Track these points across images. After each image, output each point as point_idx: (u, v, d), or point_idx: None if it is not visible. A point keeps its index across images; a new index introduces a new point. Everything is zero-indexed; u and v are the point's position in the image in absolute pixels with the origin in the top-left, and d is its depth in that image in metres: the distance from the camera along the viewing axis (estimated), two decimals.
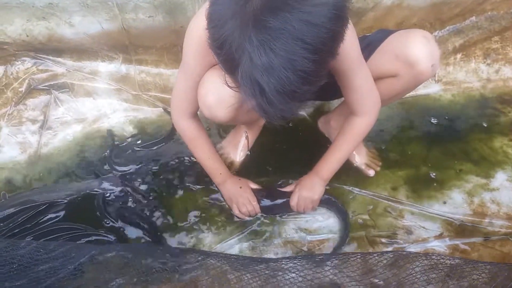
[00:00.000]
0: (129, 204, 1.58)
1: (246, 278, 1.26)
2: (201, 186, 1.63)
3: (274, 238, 1.53)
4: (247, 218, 1.56)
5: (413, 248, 1.50)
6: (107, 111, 1.82)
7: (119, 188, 1.59)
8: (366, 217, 1.58)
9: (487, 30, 1.96)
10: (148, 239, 1.51)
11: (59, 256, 1.23)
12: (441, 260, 1.30)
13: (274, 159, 1.70)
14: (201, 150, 1.48)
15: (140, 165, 1.68)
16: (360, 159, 1.68)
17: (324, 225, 1.56)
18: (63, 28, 1.69)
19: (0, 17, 1.64)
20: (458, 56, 1.97)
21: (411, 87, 1.39)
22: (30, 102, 1.81)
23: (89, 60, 1.84)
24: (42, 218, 1.51)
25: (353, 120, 1.39)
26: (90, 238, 1.48)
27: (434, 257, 1.32)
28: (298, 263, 1.31)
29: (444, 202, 1.61)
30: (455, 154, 1.74)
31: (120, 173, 1.66)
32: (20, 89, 1.80)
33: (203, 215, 1.57)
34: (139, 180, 1.64)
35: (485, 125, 1.83)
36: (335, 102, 1.75)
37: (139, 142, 1.75)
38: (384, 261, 1.35)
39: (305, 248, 1.51)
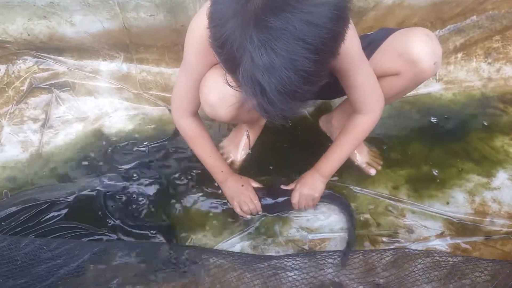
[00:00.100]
0: (129, 203, 1.58)
1: (248, 276, 1.26)
2: (202, 185, 1.63)
3: (276, 236, 1.53)
4: (249, 217, 1.57)
5: (414, 247, 1.50)
6: (108, 110, 1.82)
7: (120, 187, 1.60)
8: (367, 216, 1.58)
9: (488, 29, 1.96)
10: (148, 238, 1.52)
11: (62, 254, 1.23)
12: (443, 258, 1.31)
13: (275, 158, 1.71)
14: (202, 149, 1.48)
15: (141, 164, 1.69)
16: (361, 158, 1.68)
17: (326, 224, 1.57)
18: (64, 27, 1.69)
19: (2, 16, 1.64)
20: (459, 55, 1.97)
21: (413, 85, 1.39)
22: (32, 101, 1.81)
23: (90, 59, 1.84)
24: (44, 217, 1.52)
25: (356, 118, 1.38)
26: (92, 237, 1.48)
27: (436, 254, 1.33)
28: (301, 261, 1.32)
29: (448, 203, 1.61)
30: (456, 153, 1.74)
31: (122, 170, 1.66)
32: (21, 88, 1.81)
33: (205, 213, 1.58)
34: (140, 178, 1.65)
35: (486, 124, 1.84)
36: (337, 101, 1.75)
37: (145, 142, 1.75)
38: (387, 258, 1.35)
39: (306, 247, 1.51)
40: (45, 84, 1.82)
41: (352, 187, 1.64)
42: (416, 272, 1.33)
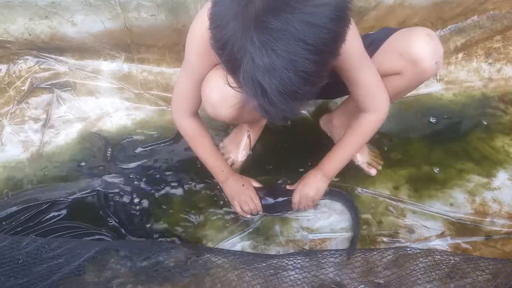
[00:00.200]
0: (130, 203, 1.59)
1: (249, 275, 1.26)
2: (203, 185, 1.64)
3: (276, 236, 1.53)
4: (249, 216, 1.57)
5: (414, 247, 1.50)
6: (109, 110, 1.82)
7: (121, 187, 1.60)
8: (368, 216, 1.58)
9: (489, 29, 1.96)
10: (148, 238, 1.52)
11: (63, 253, 1.24)
12: (444, 257, 1.31)
13: (276, 158, 1.71)
14: (203, 149, 1.48)
15: (141, 164, 1.69)
16: (362, 158, 1.68)
17: (326, 223, 1.57)
18: (66, 27, 1.69)
19: (3, 16, 1.64)
20: (460, 55, 1.97)
21: (414, 84, 1.39)
22: (33, 100, 1.81)
23: (91, 59, 1.84)
24: (44, 217, 1.52)
25: (361, 117, 1.37)
26: (92, 237, 1.48)
27: (437, 253, 1.33)
28: (302, 260, 1.32)
29: (451, 204, 1.61)
30: (456, 153, 1.74)
31: (124, 169, 1.66)
32: (22, 88, 1.81)
33: (205, 213, 1.58)
34: (141, 178, 1.65)
35: (487, 124, 1.84)
36: (337, 101, 1.75)
37: (147, 142, 1.75)
38: (388, 257, 1.35)
39: (306, 247, 1.51)
40: (46, 84, 1.82)
41: (352, 187, 1.64)
42: (417, 271, 1.33)
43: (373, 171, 1.67)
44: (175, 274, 1.35)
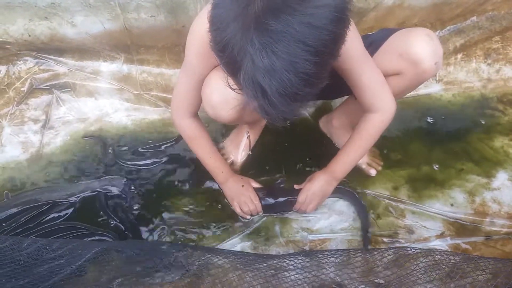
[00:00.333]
0: (130, 203, 1.59)
1: (249, 275, 1.26)
2: (203, 185, 1.64)
3: (276, 237, 1.53)
4: (249, 217, 1.57)
5: (415, 247, 1.50)
6: (109, 111, 1.82)
7: (121, 188, 1.60)
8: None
9: (488, 30, 1.96)
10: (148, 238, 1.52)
11: (64, 254, 1.24)
12: (444, 256, 1.31)
13: (276, 159, 1.71)
14: (202, 149, 1.48)
15: (141, 164, 1.69)
16: (362, 159, 1.67)
17: (326, 224, 1.57)
18: (65, 28, 1.69)
19: (3, 17, 1.65)
20: (459, 56, 1.97)
21: (414, 85, 1.40)
22: (32, 101, 1.81)
23: (91, 59, 1.84)
24: (44, 218, 1.52)
25: (368, 117, 1.37)
26: (93, 238, 1.49)
27: (437, 253, 1.33)
28: (302, 260, 1.32)
29: (452, 205, 1.61)
30: (456, 154, 1.75)
31: (124, 169, 1.67)
32: (22, 89, 1.81)
33: (205, 214, 1.58)
34: (141, 178, 1.65)
35: (486, 125, 1.84)
36: (337, 102, 1.75)
37: (149, 141, 1.75)
38: (388, 257, 1.35)
39: (306, 248, 1.51)
40: (45, 85, 1.82)
41: (353, 187, 1.64)
42: (418, 271, 1.33)
43: (372, 172, 1.66)
44: (176, 274, 1.35)
